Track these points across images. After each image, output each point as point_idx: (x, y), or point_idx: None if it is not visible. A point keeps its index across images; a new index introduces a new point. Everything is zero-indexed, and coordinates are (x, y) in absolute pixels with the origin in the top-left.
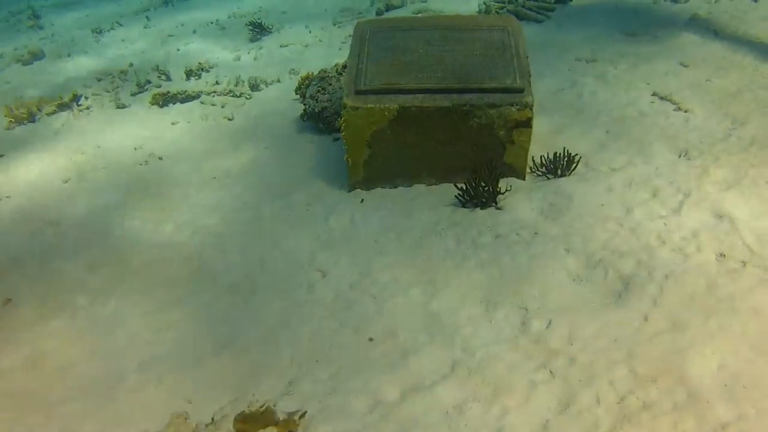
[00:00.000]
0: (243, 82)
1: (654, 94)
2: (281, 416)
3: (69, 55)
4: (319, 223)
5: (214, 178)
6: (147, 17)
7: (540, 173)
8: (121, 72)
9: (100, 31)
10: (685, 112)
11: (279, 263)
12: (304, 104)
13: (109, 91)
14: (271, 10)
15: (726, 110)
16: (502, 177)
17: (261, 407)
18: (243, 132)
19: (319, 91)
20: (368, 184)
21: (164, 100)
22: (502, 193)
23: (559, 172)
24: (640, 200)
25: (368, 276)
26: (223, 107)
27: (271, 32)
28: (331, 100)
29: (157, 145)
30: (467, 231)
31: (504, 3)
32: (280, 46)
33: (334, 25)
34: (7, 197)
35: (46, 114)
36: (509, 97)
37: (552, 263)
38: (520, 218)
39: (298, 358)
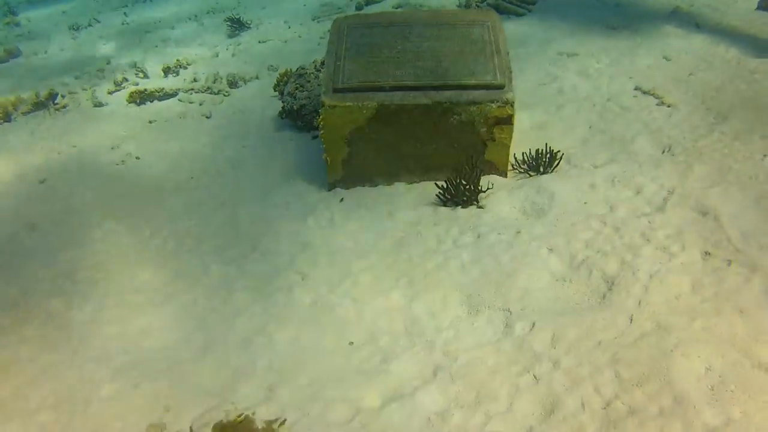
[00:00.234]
0: (221, 79)
1: (637, 89)
2: (260, 425)
3: (46, 53)
4: (299, 224)
5: (192, 177)
6: (125, 13)
7: (522, 170)
8: (98, 70)
9: (78, 28)
10: (668, 106)
11: (257, 266)
12: (283, 102)
13: (86, 89)
14: (250, 5)
15: (709, 105)
16: (484, 175)
17: (239, 416)
18: (221, 130)
19: (297, 89)
20: (348, 182)
21: (142, 98)
22: (484, 192)
23: (541, 169)
24: (624, 197)
25: (348, 278)
26: (201, 105)
27: (249, 28)
28: (309, 98)
29: (134, 145)
30: (448, 231)
31: None
32: (259, 42)
33: (314, 20)
34: None
35: (22, 113)
36: (489, 94)
37: (535, 263)
38: (502, 217)
39: (277, 363)
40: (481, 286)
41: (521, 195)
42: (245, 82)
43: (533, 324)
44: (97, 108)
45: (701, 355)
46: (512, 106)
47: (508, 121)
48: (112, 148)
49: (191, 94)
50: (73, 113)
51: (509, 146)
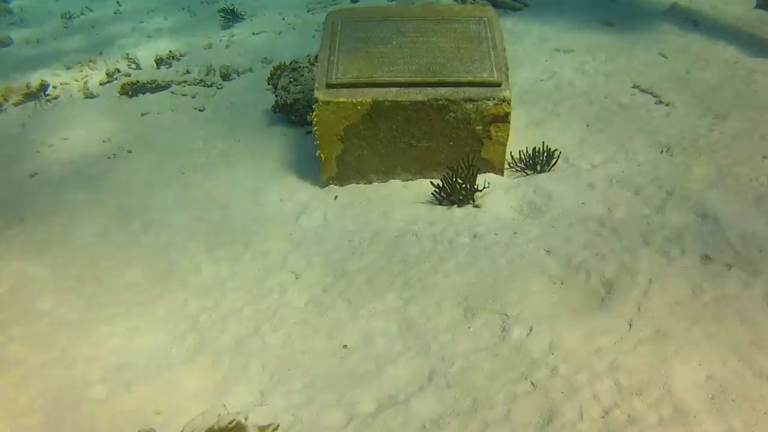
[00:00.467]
0: (214, 71)
1: (635, 86)
2: (252, 430)
3: (37, 42)
4: (292, 222)
5: (183, 173)
6: (118, 2)
7: (519, 169)
8: (90, 60)
9: (70, 17)
10: (667, 105)
11: (250, 265)
12: (276, 96)
13: (77, 80)
14: None
15: (708, 104)
16: (480, 173)
17: (231, 422)
18: (214, 124)
19: (290, 83)
20: (342, 179)
21: (134, 89)
22: (480, 191)
23: (538, 167)
24: (623, 198)
25: (342, 278)
26: (193, 97)
27: (243, 19)
28: (303, 92)
29: (125, 137)
30: (444, 231)
31: None
32: (253, 34)
33: (308, 11)
34: None
35: (13, 104)
36: (486, 91)
37: (532, 266)
38: (498, 217)
39: (270, 366)
40: (477, 288)
41: (518, 194)
42: (239, 74)
43: (530, 328)
44: (88, 99)
45: (701, 362)
46: (509, 103)
47: (505, 119)
48: (104, 141)
49: (184, 86)
50: (65, 104)
51: (506, 144)
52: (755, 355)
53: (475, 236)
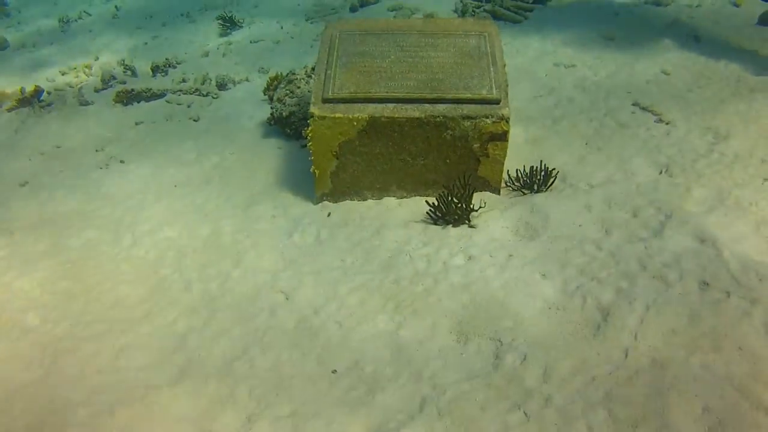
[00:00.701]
0: (210, 80)
1: (635, 104)
2: None
3: (34, 46)
4: (284, 239)
5: (175, 186)
6: (116, 7)
7: (515, 188)
8: (85, 66)
9: (68, 21)
10: (667, 123)
11: (240, 283)
12: (272, 108)
13: (72, 87)
14: (243, 2)
15: (708, 123)
16: (476, 191)
17: None
18: (208, 134)
19: (286, 95)
20: (336, 196)
21: (128, 98)
22: (476, 210)
23: (535, 187)
24: (620, 221)
25: (334, 300)
26: (188, 107)
27: (241, 27)
28: (299, 105)
29: (119, 147)
30: (438, 251)
31: (481, 2)
32: (251, 42)
33: (307, 21)
34: None
35: (6, 110)
36: (485, 109)
37: (527, 290)
38: (494, 238)
39: (258, 391)
40: (471, 312)
41: (514, 215)
42: (234, 84)
43: (524, 356)
44: (82, 106)
45: (698, 394)
46: (508, 122)
47: (503, 137)
48: (97, 150)
49: (179, 95)
50: (59, 111)
51: (503, 163)
52: (753, 387)
53: (470, 258)
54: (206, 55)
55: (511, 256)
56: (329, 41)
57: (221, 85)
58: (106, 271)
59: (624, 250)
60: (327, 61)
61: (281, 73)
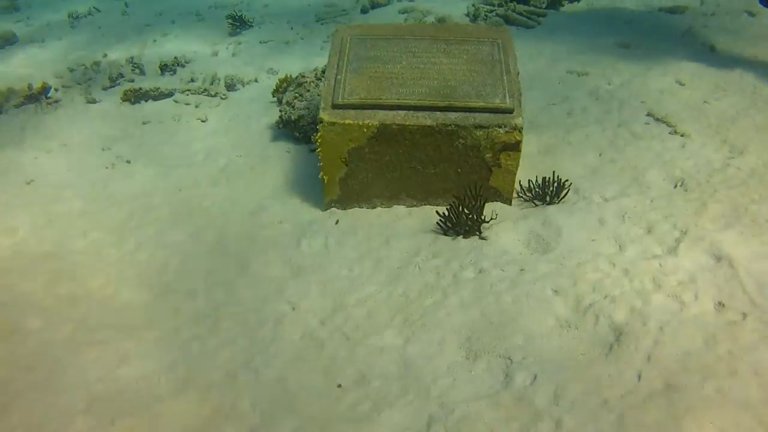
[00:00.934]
0: (219, 80)
1: (649, 115)
2: None
3: (43, 41)
4: (291, 246)
5: (180, 190)
6: (126, 3)
7: (527, 198)
8: (93, 63)
9: (77, 16)
10: (682, 136)
11: (245, 291)
12: (280, 111)
13: (80, 84)
14: (253, 1)
15: (724, 136)
16: (487, 201)
17: None
18: (215, 136)
19: (296, 98)
20: (344, 203)
21: (136, 96)
22: (487, 222)
23: (547, 198)
24: (634, 236)
25: (341, 311)
26: (197, 107)
27: (251, 26)
28: (308, 108)
29: (125, 147)
30: (448, 264)
31: (494, 6)
32: (260, 42)
33: (317, 21)
34: None
35: (14, 105)
36: (497, 118)
37: (539, 306)
38: (505, 251)
39: (261, 404)
40: (481, 328)
41: (526, 227)
42: (243, 84)
43: (535, 376)
44: (90, 104)
45: (714, 421)
46: (521, 131)
47: (516, 147)
48: (103, 150)
49: (187, 95)
50: (66, 108)
51: (515, 173)
52: None
53: (480, 271)
54: (215, 54)
55: (522, 270)
56: (340, 45)
57: (230, 86)
58: (110, 274)
59: (638, 267)
60: (337, 66)
61: (290, 75)
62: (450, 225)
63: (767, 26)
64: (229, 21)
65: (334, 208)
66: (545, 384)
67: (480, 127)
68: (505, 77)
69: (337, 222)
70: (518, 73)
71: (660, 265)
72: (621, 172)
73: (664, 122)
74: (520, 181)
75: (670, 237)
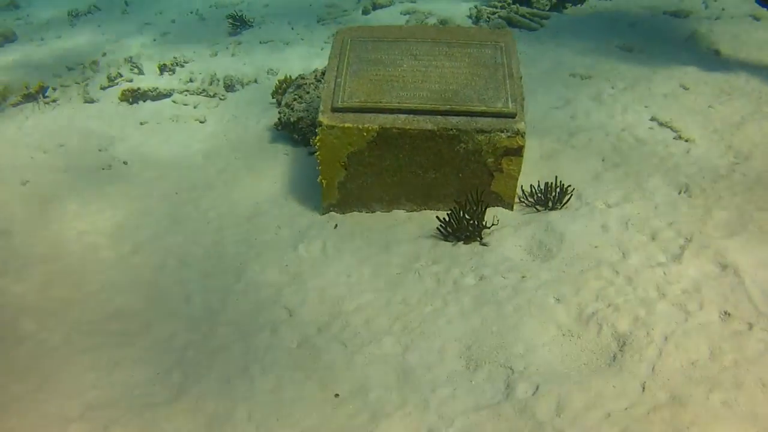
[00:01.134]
0: (218, 80)
1: (653, 119)
2: None
3: (42, 39)
4: (288, 252)
5: (176, 193)
6: (126, 2)
7: (529, 203)
8: (92, 62)
9: (77, 15)
10: (686, 141)
11: (242, 297)
12: (279, 113)
13: (78, 83)
14: (253, 1)
15: (729, 141)
16: (488, 207)
17: None
18: (214, 138)
19: (295, 100)
20: (343, 207)
21: (134, 96)
22: (488, 227)
23: (550, 204)
24: (638, 243)
25: (338, 318)
26: (195, 108)
27: (252, 26)
28: (307, 110)
29: (122, 148)
30: (449, 270)
31: (496, 8)
32: (260, 43)
33: (318, 22)
34: None
35: (11, 105)
36: (500, 123)
37: (541, 314)
38: (506, 257)
39: (257, 414)
40: (481, 337)
41: (528, 233)
42: (242, 85)
43: (537, 387)
44: (88, 104)
45: None
46: (523, 136)
47: (518, 152)
48: (100, 150)
49: (186, 95)
50: (63, 108)
51: (517, 178)
52: None
53: (481, 278)
54: (215, 54)
55: (524, 277)
56: (340, 47)
57: (229, 86)
58: (105, 279)
59: (642, 275)
60: (337, 68)
61: (290, 76)
62: (450, 230)
63: None
64: (230, 21)
65: (332, 213)
66: (547, 395)
67: (482, 131)
68: (507, 81)
69: (335, 226)
70: (521, 77)
71: (664, 273)
72: (624, 177)
73: (669, 127)
74: (522, 186)
75: (675, 244)
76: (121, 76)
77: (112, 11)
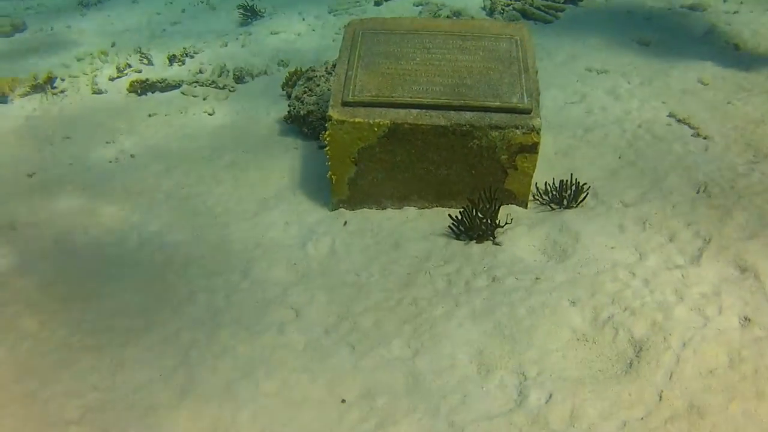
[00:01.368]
0: (227, 72)
1: (670, 115)
2: None
3: (51, 29)
4: (296, 249)
5: (183, 188)
6: None
7: (543, 202)
8: (101, 52)
9: (87, 5)
10: (704, 138)
11: (248, 296)
12: (289, 105)
13: (87, 74)
14: None
15: (748, 139)
16: (502, 204)
17: None
18: (222, 130)
19: (305, 92)
20: (353, 204)
21: (143, 88)
22: (501, 227)
23: (565, 202)
24: (655, 244)
25: (347, 319)
26: (204, 99)
27: (263, 17)
28: (317, 104)
29: (130, 141)
30: (460, 270)
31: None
32: (271, 34)
33: (330, 13)
34: None
35: (19, 96)
36: (514, 119)
37: (555, 318)
38: (520, 257)
39: (262, 419)
40: (494, 341)
41: (542, 232)
42: (252, 77)
43: (550, 394)
44: (96, 95)
45: None
46: (539, 133)
47: (533, 149)
48: (107, 143)
49: (195, 87)
50: (72, 99)
51: (532, 175)
52: None
53: (493, 279)
54: (225, 45)
55: (537, 279)
56: (351, 40)
57: (239, 78)
58: (109, 275)
59: (659, 277)
60: (348, 61)
61: (300, 68)
62: (463, 229)
63: None
64: (240, 11)
65: (342, 209)
66: (561, 403)
67: (496, 127)
68: (522, 76)
69: (345, 223)
70: (537, 72)
71: (682, 275)
72: (641, 175)
73: (686, 123)
74: (536, 183)
75: (693, 246)
76: (130, 66)
77: (122, 1)
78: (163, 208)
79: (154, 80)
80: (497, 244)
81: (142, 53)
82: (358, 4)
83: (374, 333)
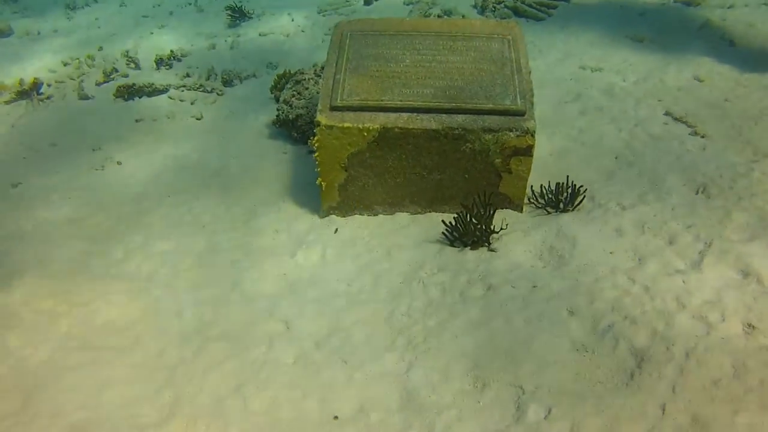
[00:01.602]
0: (215, 75)
1: (667, 114)
2: None
3: (38, 33)
4: (286, 258)
5: (169, 196)
6: None
7: (539, 205)
8: (88, 57)
9: (74, 7)
10: (702, 137)
11: (236, 309)
12: (278, 109)
13: (73, 79)
14: None
15: (747, 137)
16: (497, 209)
17: None
18: (210, 135)
19: (293, 96)
20: (344, 210)
21: (129, 93)
22: (496, 232)
23: (561, 206)
24: (655, 248)
25: (338, 332)
26: (192, 104)
27: (251, 18)
28: (306, 107)
29: (116, 147)
30: (455, 279)
31: None
32: (260, 35)
33: (319, 13)
34: None
35: (4, 102)
36: (508, 121)
37: (553, 328)
38: (516, 264)
39: None
40: (490, 353)
41: (538, 237)
42: (241, 80)
43: (549, 409)
44: (83, 101)
45: None
46: (533, 135)
47: (528, 152)
48: (93, 150)
49: (183, 91)
50: (58, 105)
51: (527, 179)
52: None
53: (489, 288)
54: (213, 47)
55: (534, 287)
56: (339, 42)
57: (227, 81)
58: (95, 289)
59: (660, 283)
60: (336, 64)
61: (289, 71)
62: (457, 235)
63: None
64: (228, 12)
65: (332, 215)
66: (561, 419)
67: (489, 130)
68: (516, 77)
69: (336, 231)
70: (530, 72)
71: (683, 281)
72: (639, 176)
73: (683, 122)
74: (531, 186)
75: (693, 250)
76: (117, 71)
77: (110, 4)
78: (150, 216)
79: (141, 85)
80: (492, 250)
81: (129, 57)
82: (347, 3)
83: (367, 346)
